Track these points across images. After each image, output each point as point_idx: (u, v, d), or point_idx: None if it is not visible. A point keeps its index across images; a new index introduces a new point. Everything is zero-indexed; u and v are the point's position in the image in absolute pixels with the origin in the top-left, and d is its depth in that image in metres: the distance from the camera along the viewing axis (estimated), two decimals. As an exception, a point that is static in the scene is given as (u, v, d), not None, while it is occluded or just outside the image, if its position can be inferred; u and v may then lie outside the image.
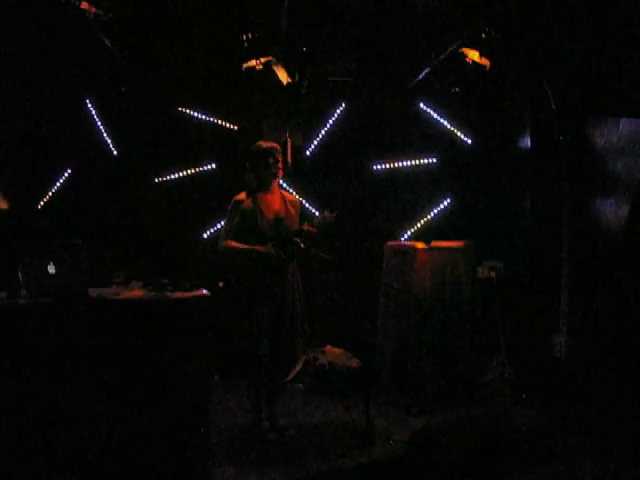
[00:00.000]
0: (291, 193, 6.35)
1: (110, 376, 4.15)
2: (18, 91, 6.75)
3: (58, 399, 4.06)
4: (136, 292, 4.47)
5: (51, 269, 4.19)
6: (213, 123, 7.26)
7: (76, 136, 7.08)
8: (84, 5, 4.39)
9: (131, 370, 4.19)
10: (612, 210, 6.11)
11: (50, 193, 7.11)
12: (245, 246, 4.85)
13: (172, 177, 7.23)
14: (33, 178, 7.04)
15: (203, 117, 7.24)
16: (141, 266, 6.48)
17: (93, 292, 4.35)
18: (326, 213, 4.93)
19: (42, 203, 7.10)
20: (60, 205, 7.09)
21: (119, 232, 6.98)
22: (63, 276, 4.19)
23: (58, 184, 7.13)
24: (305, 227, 4.88)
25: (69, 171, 7.13)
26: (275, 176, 5.01)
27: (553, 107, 5.74)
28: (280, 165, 5.00)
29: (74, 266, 4.21)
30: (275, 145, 5.04)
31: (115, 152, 7.18)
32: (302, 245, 4.83)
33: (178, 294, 4.42)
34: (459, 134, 7.34)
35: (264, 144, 5.07)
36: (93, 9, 4.44)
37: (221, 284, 6.06)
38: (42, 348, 4.06)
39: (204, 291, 4.59)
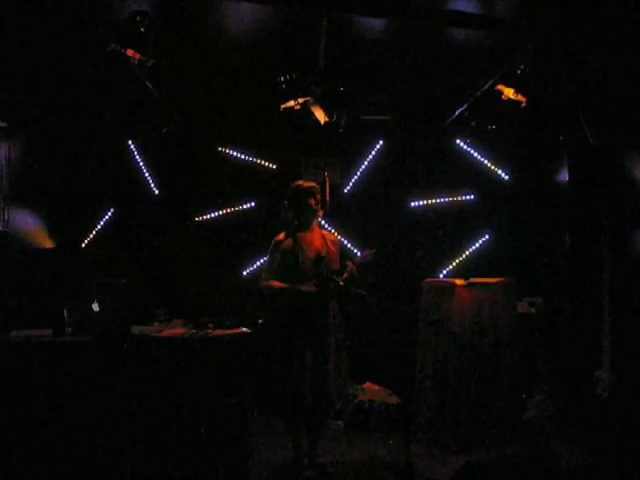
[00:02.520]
0: (330, 232, 6.40)
1: (151, 412, 4.21)
2: (63, 133, 6.96)
3: (100, 433, 4.13)
4: (177, 330, 4.54)
5: (95, 307, 4.29)
6: (252, 162, 7.39)
7: (119, 176, 7.27)
8: (129, 52, 4.56)
9: (172, 406, 4.24)
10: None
11: (94, 232, 7.27)
12: (286, 285, 4.86)
13: (212, 216, 7.35)
14: (77, 217, 7.20)
15: (242, 157, 7.37)
16: (182, 304, 6.56)
17: (136, 329, 4.44)
18: (366, 252, 4.96)
19: (86, 242, 7.26)
20: (103, 244, 7.23)
21: (160, 270, 7.10)
22: (107, 314, 4.29)
23: (101, 223, 7.28)
24: (347, 265, 4.90)
25: (112, 210, 7.29)
26: (315, 215, 5.06)
27: (591, 141, 5.73)
28: (320, 205, 5.05)
29: (117, 304, 4.32)
30: (314, 185, 5.09)
31: (156, 192, 7.33)
32: (341, 283, 4.84)
33: (218, 332, 4.48)
34: (496, 170, 7.36)
35: (304, 184, 5.10)
36: (138, 55, 4.61)
37: (261, 321, 6.10)
38: (86, 383, 4.15)
39: (244, 329, 4.65)
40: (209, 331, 4.46)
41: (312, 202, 4.99)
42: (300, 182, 5.18)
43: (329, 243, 5.08)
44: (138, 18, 4.53)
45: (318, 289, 4.82)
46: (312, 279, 4.83)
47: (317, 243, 5.03)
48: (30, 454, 4.07)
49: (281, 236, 5.02)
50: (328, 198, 5.17)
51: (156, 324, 4.87)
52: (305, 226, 5.03)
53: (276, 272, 4.92)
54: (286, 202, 5.11)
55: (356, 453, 5.67)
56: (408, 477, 4.91)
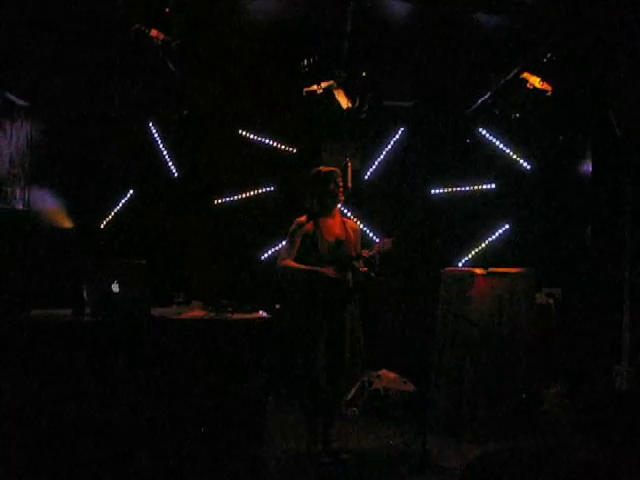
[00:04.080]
0: (350, 218, 6.37)
1: (169, 395, 4.22)
2: (84, 114, 6.96)
3: (117, 415, 4.15)
4: (197, 313, 4.54)
5: (115, 288, 4.29)
6: (272, 146, 7.36)
7: (139, 158, 7.25)
8: (153, 32, 4.52)
9: (190, 390, 4.25)
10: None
11: (113, 213, 7.27)
12: (306, 267, 4.81)
13: (232, 199, 7.33)
14: (97, 198, 7.20)
15: (263, 140, 7.34)
16: (198, 287, 6.56)
17: (155, 311, 4.44)
18: (385, 239, 4.92)
19: (105, 223, 7.26)
20: (122, 225, 7.24)
21: (178, 253, 7.10)
22: (127, 295, 4.28)
23: (120, 204, 7.28)
24: (364, 253, 4.86)
25: (131, 192, 7.29)
26: (336, 201, 5.02)
27: (618, 132, 5.64)
28: (341, 190, 5.01)
29: (137, 285, 4.31)
30: (336, 170, 5.05)
31: (176, 174, 7.32)
32: (362, 269, 4.81)
33: (238, 315, 4.47)
34: (518, 159, 7.27)
35: (324, 169, 5.07)
36: (161, 36, 4.57)
37: (278, 306, 6.09)
38: (105, 364, 4.16)
39: (263, 313, 4.64)
40: (228, 315, 4.45)
41: (332, 187, 4.96)
42: (321, 167, 5.15)
43: (349, 230, 5.06)
44: (161, -2, 4.48)
45: (338, 274, 4.79)
46: (330, 264, 4.80)
47: (337, 229, 5.00)
48: (49, 434, 4.09)
49: (303, 218, 4.99)
50: (350, 184, 5.14)
51: (174, 307, 4.86)
52: (326, 211, 5.00)
53: (294, 254, 4.89)
54: (306, 187, 5.08)
55: (371, 440, 5.68)
56: (422, 465, 4.92)
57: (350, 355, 4.96)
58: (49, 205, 7.03)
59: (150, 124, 7.27)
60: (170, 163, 7.31)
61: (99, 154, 7.11)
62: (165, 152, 7.30)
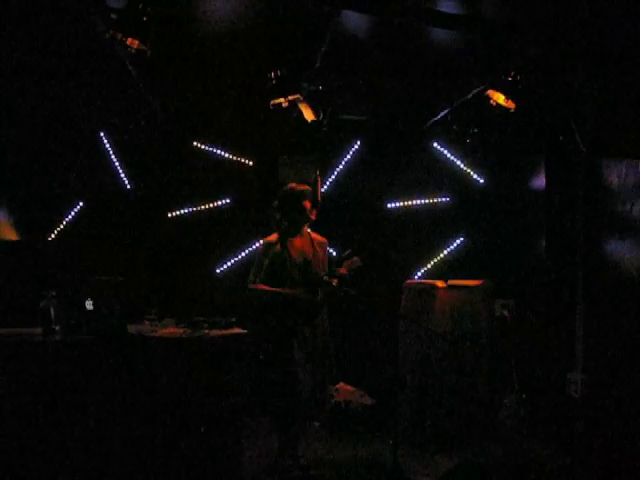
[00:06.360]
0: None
1: (147, 414, 4.11)
2: (32, 122, 6.72)
3: (93, 436, 4.02)
4: (173, 330, 4.44)
5: (89, 305, 4.14)
6: (228, 158, 7.26)
7: (89, 168, 7.05)
8: (129, 40, 4.39)
9: (168, 408, 4.15)
10: (628, 250, 6.15)
11: (61, 225, 7.04)
12: (277, 289, 4.75)
13: (186, 212, 7.20)
14: (45, 210, 6.97)
15: (218, 152, 7.24)
16: (152, 301, 6.40)
17: (131, 329, 4.32)
18: (355, 258, 4.91)
19: (53, 235, 7.02)
20: (71, 238, 7.02)
21: (131, 266, 6.88)
22: (101, 313, 4.14)
23: (70, 216, 7.06)
24: (339, 271, 4.84)
25: (81, 204, 7.07)
26: (308, 219, 4.98)
27: (582, 149, 5.79)
28: (314, 212, 4.97)
29: (113, 302, 4.17)
30: (308, 188, 4.99)
31: (129, 186, 7.15)
32: (334, 284, 4.77)
33: (216, 332, 4.40)
34: (472, 173, 7.39)
35: (297, 187, 4.96)
36: (135, 44, 4.43)
37: (233, 320, 6.02)
38: (77, 385, 4.03)
39: (239, 329, 4.58)
40: (206, 332, 4.36)
41: (306, 205, 4.91)
42: (293, 185, 5.06)
43: (317, 246, 5.01)
44: (140, 6, 4.34)
45: (310, 295, 4.76)
46: (300, 284, 4.77)
47: (305, 247, 4.94)
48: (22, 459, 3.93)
49: (271, 238, 4.90)
50: (319, 198, 5.11)
51: (146, 323, 4.73)
52: (296, 230, 4.93)
53: (263, 276, 4.81)
54: (276, 203, 4.99)
55: (337, 452, 5.69)
56: (396, 477, 4.91)
57: (322, 371, 4.95)
58: (-5, 217, 6.75)
59: (101, 134, 7.07)
60: (122, 174, 7.12)
61: (46, 164, 6.88)
62: (117, 163, 7.11)
